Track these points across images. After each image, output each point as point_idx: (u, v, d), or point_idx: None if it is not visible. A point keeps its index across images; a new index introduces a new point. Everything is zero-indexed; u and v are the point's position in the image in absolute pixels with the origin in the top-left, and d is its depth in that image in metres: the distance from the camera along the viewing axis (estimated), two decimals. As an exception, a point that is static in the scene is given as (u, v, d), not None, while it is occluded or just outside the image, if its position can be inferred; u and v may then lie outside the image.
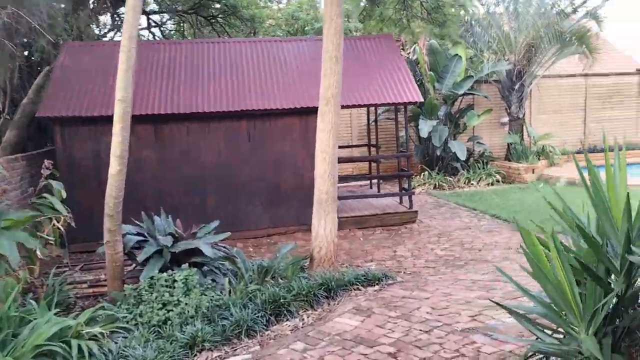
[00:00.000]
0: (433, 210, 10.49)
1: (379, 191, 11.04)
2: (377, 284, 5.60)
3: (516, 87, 14.19)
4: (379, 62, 9.40)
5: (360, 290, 5.48)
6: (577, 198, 9.57)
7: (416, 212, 9.33)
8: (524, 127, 14.81)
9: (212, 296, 4.91)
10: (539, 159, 13.95)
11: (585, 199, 3.17)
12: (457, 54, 13.98)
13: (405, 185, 9.84)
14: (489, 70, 14.01)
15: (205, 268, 5.56)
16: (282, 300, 4.88)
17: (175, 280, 4.90)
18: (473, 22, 14.78)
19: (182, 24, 18.45)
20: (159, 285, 4.85)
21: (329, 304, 5.12)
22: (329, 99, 6.08)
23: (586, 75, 15.89)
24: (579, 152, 15.58)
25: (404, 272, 6.52)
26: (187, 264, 5.31)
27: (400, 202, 9.91)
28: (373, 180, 11.67)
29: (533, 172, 13.19)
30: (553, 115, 15.72)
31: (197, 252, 5.44)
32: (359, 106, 9.00)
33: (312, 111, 7.52)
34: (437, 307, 4.72)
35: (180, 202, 8.26)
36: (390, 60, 9.50)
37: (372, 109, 11.73)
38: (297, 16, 18.98)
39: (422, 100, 9.09)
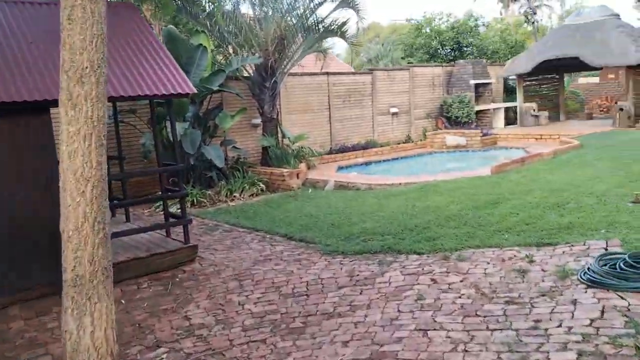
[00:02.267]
0: (206, 237, 8.11)
1: (128, 220, 8.10)
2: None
3: (268, 84, 12.75)
4: (124, 39, 6.55)
5: None
6: (360, 201, 8.19)
7: (195, 246, 6.84)
8: (279, 128, 13.52)
9: None
10: (300, 162, 12.80)
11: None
12: (201, 44, 11.78)
13: (174, 210, 7.23)
14: (239, 65, 12.21)
15: None
16: None
17: None
18: (215, 8, 12.76)
19: None
20: None
21: None
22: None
23: (327, 73, 15.54)
24: (330, 152, 15.13)
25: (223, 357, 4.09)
26: None
27: (168, 235, 7.25)
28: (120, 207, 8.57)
29: (298, 177, 11.93)
30: (302, 114, 14.89)
31: None
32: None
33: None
34: None
35: None
36: (138, 37, 6.74)
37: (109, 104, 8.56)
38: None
39: (195, 91, 6.65)
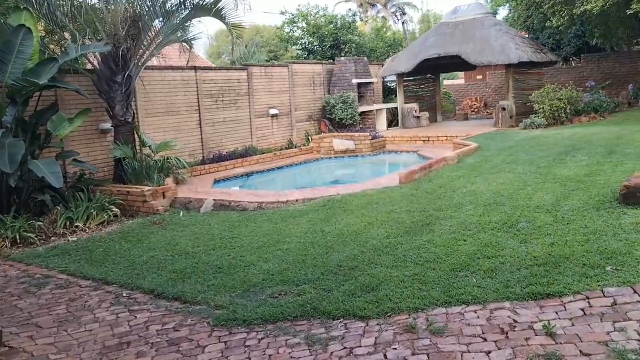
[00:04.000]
0: (28, 300, 5.36)
1: None
2: None
3: (120, 79, 9.97)
4: None
5: None
6: (251, 228, 5.78)
7: (-4, 334, 4.15)
8: (137, 135, 10.77)
9: None
10: (166, 177, 10.19)
11: None
12: (23, 25, 8.72)
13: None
14: (78, 53, 9.30)
15: None
16: None
17: None
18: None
19: None
20: None
21: None
22: None
23: (196, 68, 13.04)
24: (203, 163, 12.64)
25: None
26: None
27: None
28: None
29: (164, 197, 9.34)
30: (166, 117, 12.23)
31: None
32: None
33: None
34: None
35: None
36: None
37: None
38: None
39: None
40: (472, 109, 23.58)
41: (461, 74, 29.39)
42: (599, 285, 3.94)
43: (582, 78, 21.02)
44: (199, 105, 13.00)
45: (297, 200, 8.62)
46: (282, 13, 20.17)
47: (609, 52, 22.03)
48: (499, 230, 5.81)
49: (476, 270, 4.73)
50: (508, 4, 23.32)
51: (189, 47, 12.32)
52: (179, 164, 10.90)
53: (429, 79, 21.02)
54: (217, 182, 11.28)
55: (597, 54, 22.01)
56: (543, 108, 15.30)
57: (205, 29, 22.56)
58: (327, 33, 18.94)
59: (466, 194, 7.78)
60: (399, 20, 28.63)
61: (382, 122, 18.53)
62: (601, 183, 7.22)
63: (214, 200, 9.02)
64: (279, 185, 11.83)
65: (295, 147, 15.31)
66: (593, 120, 15.50)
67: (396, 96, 19.49)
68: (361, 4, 38.24)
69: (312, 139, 15.32)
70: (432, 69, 19.92)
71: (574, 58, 23.66)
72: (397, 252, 5.52)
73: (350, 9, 23.81)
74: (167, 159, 10.74)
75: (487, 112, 23.44)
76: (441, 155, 11.93)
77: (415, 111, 18.61)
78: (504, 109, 16.37)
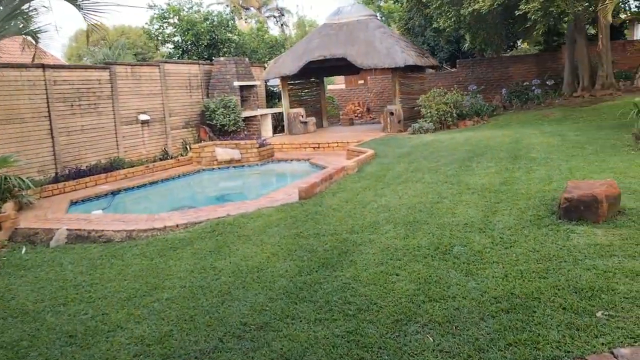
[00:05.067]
0: None
1: None
2: None
3: None
4: None
5: None
6: (117, 268, 4.49)
7: None
8: (-39, 148, 8.41)
9: None
10: (3, 202, 8.00)
11: None
12: None
13: None
14: None
15: None
16: None
17: None
18: None
19: None
20: None
21: None
22: None
23: (44, 66, 10.78)
24: (56, 181, 10.43)
25: None
26: None
27: None
28: None
29: (0, 228, 7.23)
30: (6, 126, 9.87)
31: None
32: None
33: None
34: None
35: None
36: None
37: None
38: None
39: None
40: (356, 114, 23.19)
41: (338, 79, 29.13)
42: (602, 344, 2.98)
43: (458, 82, 21.48)
44: (49, 111, 10.74)
45: (177, 226, 7.03)
46: (150, 7, 18.03)
47: (482, 58, 22.83)
48: (433, 258, 4.80)
49: (427, 321, 3.61)
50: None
51: (34, 41, 10.06)
52: (22, 183, 8.69)
53: (313, 83, 20.16)
54: (73, 204, 9.24)
55: (470, 59, 22.72)
56: (430, 112, 15.04)
57: (53, 19, 19.63)
58: (202, 30, 17.24)
59: (378, 209, 6.76)
60: (277, 21, 27.63)
61: (267, 128, 17.27)
62: (522, 193, 6.57)
63: (67, 229, 7.10)
64: (154, 206, 10.02)
65: (172, 158, 13.50)
66: (477, 124, 15.58)
67: (279, 100, 18.37)
68: (234, 7, 36.65)
69: (190, 148, 13.62)
70: (316, 72, 19.08)
71: (447, 63, 24.29)
72: (317, 297, 4.26)
73: (226, 7, 22.24)
74: (6, 177, 8.51)
75: (370, 117, 23.20)
76: (336, 163, 10.97)
77: (302, 116, 17.59)
78: (391, 114, 15.92)
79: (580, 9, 13.00)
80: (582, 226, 4.97)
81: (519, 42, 25.97)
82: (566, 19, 14.60)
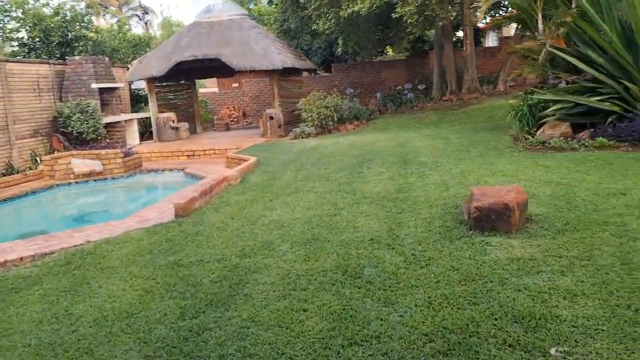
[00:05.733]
0: None
1: None
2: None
3: None
4: None
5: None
6: None
7: None
8: None
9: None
10: None
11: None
12: None
13: None
14: None
15: None
16: None
17: None
18: None
19: None
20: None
21: None
22: None
23: None
24: None
25: None
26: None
27: None
28: None
29: None
30: None
31: None
32: None
33: None
34: None
35: None
36: None
37: None
38: None
39: None
40: (232, 119, 22.16)
41: (211, 82, 27.86)
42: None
43: (334, 86, 21.41)
44: None
45: (21, 259, 5.63)
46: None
47: (355, 62, 23.04)
48: (344, 285, 4.11)
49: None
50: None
51: None
52: None
53: (183, 85, 18.80)
54: None
55: (345, 63, 22.81)
56: (311, 116, 14.58)
57: None
58: (53, 26, 15.12)
59: (270, 225, 5.97)
60: (141, 19, 25.60)
61: (133, 135, 15.65)
62: (422, 201, 6.17)
63: None
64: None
65: (18, 172, 11.52)
66: (358, 128, 15.42)
67: (147, 104, 16.82)
68: (90, 1, 33.50)
69: (41, 160, 11.72)
70: (187, 73, 17.79)
71: (321, 68, 24.23)
72: (208, 350, 3.35)
73: (80, 1, 20.02)
74: None
75: (247, 122, 22.32)
76: (215, 173, 10.01)
77: (173, 121, 16.21)
78: (271, 118, 15.20)
79: (454, 13, 13.32)
80: (495, 237, 4.60)
81: (387, 49, 26.74)
82: (440, 23, 14.96)
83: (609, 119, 8.40)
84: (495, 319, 3.23)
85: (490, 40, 29.91)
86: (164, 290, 4.43)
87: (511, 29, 27.23)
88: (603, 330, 2.91)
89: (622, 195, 5.45)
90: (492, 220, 4.67)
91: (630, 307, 3.13)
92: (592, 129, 8.53)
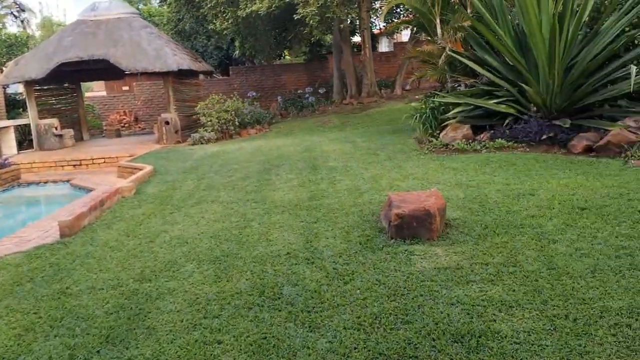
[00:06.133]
0: None
1: None
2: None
3: None
4: None
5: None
6: None
7: None
8: None
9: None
10: None
11: None
12: None
13: None
14: None
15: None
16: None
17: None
18: None
19: None
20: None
21: None
22: None
23: None
24: None
25: None
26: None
27: None
28: None
29: None
30: None
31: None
32: None
33: None
34: None
35: None
36: None
37: None
38: None
39: None
40: (122, 124, 20.73)
41: (98, 85, 26.03)
42: None
43: (234, 90, 20.78)
44: None
45: None
46: None
47: (254, 65, 22.56)
48: (262, 309, 3.68)
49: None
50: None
51: None
52: None
53: (67, 89, 17.24)
54: None
55: (243, 66, 22.26)
56: (211, 121, 13.91)
57: None
58: None
59: (172, 242, 5.37)
60: (17, 17, 23.27)
61: (10, 144, 14.03)
62: (337, 208, 5.89)
63: None
64: None
65: None
66: (261, 132, 14.97)
67: (25, 110, 15.17)
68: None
69: None
70: (71, 76, 16.31)
71: (217, 70, 23.49)
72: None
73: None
74: None
75: (140, 127, 21.03)
76: (106, 184, 9.12)
77: (56, 128, 14.75)
78: (167, 123, 14.31)
79: (354, 15, 13.31)
80: (418, 245, 4.40)
81: (285, 53, 26.54)
82: (341, 25, 14.92)
83: (506, 121, 8.69)
84: (434, 339, 2.97)
85: (384, 46, 30.82)
86: (48, 326, 3.73)
87: (404, 35, 28.24)
88: (548, 346, 2.75)
89: (531, 196, 5.52)
90: (413, 227, 4.47)
91: (569, 317, 3.01)
92: (491, 131, 8.78)
